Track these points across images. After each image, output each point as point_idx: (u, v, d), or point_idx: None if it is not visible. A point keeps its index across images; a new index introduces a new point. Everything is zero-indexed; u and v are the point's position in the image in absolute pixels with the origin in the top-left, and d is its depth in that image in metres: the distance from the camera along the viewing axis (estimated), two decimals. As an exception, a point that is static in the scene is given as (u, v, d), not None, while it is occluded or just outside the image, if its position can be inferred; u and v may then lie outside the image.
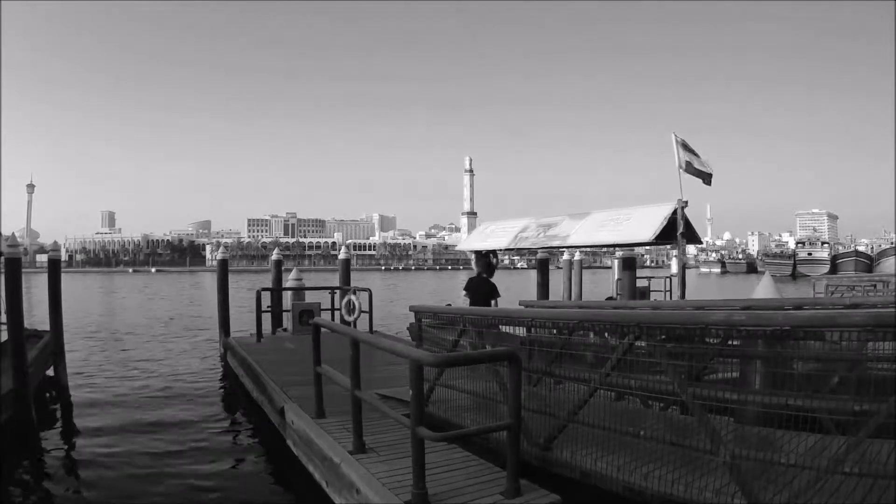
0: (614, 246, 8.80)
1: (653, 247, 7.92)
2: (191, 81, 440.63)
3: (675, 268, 9.25)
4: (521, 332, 5.13)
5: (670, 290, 16.32)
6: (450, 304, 10.93)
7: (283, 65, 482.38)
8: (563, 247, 9.00)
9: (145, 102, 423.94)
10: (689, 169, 8.36)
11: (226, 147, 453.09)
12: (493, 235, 9.88)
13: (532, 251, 11.06)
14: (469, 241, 10.87)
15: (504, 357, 3.97)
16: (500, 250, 9.86)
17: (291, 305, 13.02)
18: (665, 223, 7.17)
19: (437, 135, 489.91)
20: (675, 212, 7.35)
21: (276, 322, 13.55)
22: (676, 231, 7.41)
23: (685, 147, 8.42)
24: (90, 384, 10.53)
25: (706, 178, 8.59)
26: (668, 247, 9.05)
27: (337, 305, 13.18)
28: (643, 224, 7.32)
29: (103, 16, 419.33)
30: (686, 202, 7.42)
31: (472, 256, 10.31)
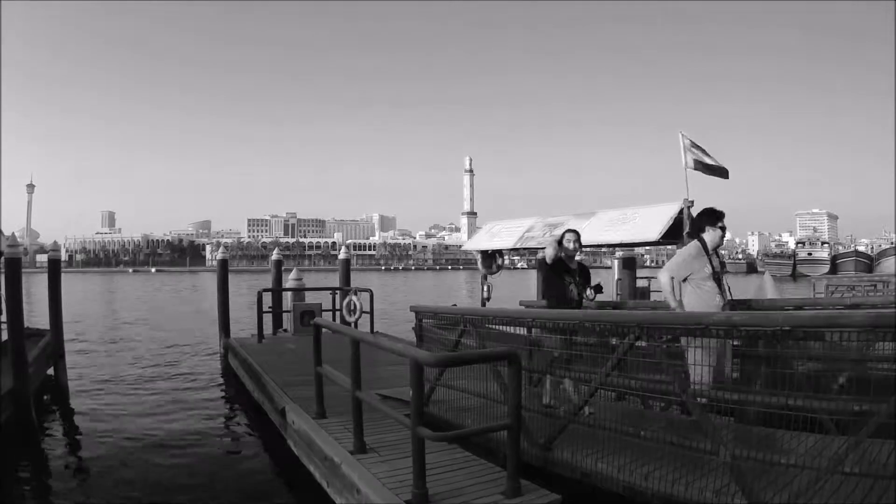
0: (621, 245, 8.80)
1: (653, 247, 7.94)
2: (191, 81, 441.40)
3: None
4: (522, 332, 5.14)
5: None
6: (455, 305, 10.87)
7: (284, 65, 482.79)
8: None
9: (145, 102, 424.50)
10: (700, 167, 8.34)
11: (226, 147, 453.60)
12: (498, 235, 9.82)
13: (532, 251, 11.04)
14: (475, 241, 10.79)
15: (503, 357, 3.97)
16: (506, 250, 9.76)
17: (292, 306, 13.02)
18: (671, 223, 7.20)
19: (437, 135, 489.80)
20: (681, 211, 7.38)
21: (277, 323, 13.55)
22: (682, 231, 7.44)
23: (694, 146, 8.39)
24: (90, 384, 10.53)
25: (721, 172, 8.52)
26: (674, 247, 9.07)
27: (337, 306, 13.17)
28: (649, 223, 7.35)
29: (103, 15, 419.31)
30: (692, 202, 7.44)
31: (479, 256, 10.22)
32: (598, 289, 5.73)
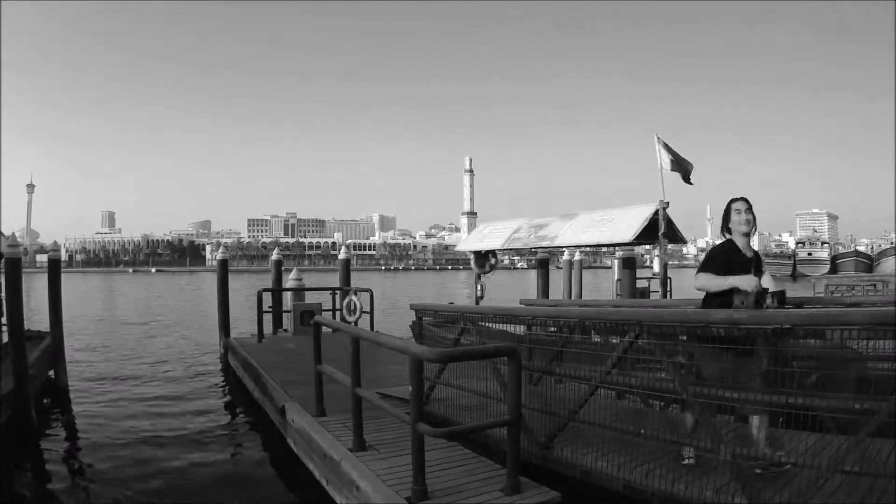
0: (597, 246, 9.17)
1: (654, 246, 8.13)
2: (191, 81, 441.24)
3: (657, 267, 9.61)
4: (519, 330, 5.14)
5: (670, 291, 16.42)
6: (452, 304, 11.09)
7: (284, 64, 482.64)
8: (551, 247, 9.33)
9: (145, 102, 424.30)
10: (675, 168, 8.69)
11: (226, 147, 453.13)
12: (489, 236, 10.11)
13: (532, 251, 11.34)
14: (467, 242, 11.23)
15: (504, 353, 3.97)
16: (498, 250, 10.08)
17: (292, 306, 13.03)
18: (646, 224, 7.41)
19: (437, 135, 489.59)
20: (656, 212, 7.58)
21: (277, 323, 13.56)
22: (658, 231, 7.64)
23: (667, 148, 8.72)
24: (90, 385, 10.52)
25: (686, 176, 8.87)
26: (650, 247, 9.45)
27: (337, 306, 13.19)
28: (626, 225, 7.55)
29: (103, 15, 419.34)
30: (667, 203, 7.65)
31: (472, 256, 10.52)
32: (782, 296, 3.88)
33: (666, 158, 8.61)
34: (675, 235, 7.93)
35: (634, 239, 7.40)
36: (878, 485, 3.02)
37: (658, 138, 8.68)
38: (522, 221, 9.55)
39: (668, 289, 16.49)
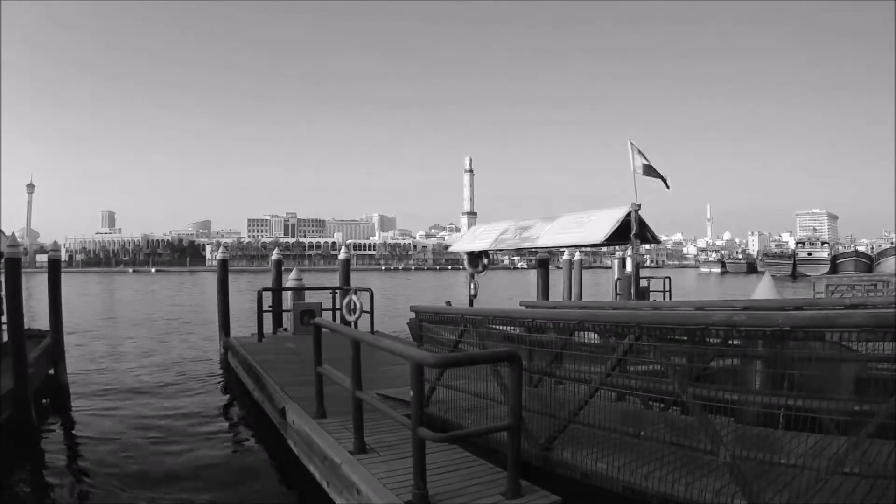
0: (572, 247, 9.46)
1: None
2: (191, 81, 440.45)
3: (629, 267, 9.89)
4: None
5: (669, 290, 16.51)
6: (449, 302, 11.16)
7: (285, 65, 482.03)
8: (532, 248, 9.66)
9: (145, 102, 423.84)
10: (649, 172, 8.99)
11: (226, 147, 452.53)
12: (480, 237, 10.42)
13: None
14: (461, 243, 11.64)
15: (505, 358, 3.97)
16: (491, 251, 10.37)
17: (292, 305, 13.04)
18: (617, 225, 7.53)
19: (436, 135, 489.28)
20: (628, 214, 7.70)
21: (277, 322, 13.57)
22: (630, 232, 7.78)
23: (640, 153, 9.00)
24: (89, 384, 10.53)
25: (663, 179, 9.13)
26: (624, 248, 9.82)
27: (337, 305, 13.20)
28: (599, 226, 7.68)
29: (103, 15, 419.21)
30: (639, 205, 7.78)
31: (465, 257, 10.76)
32: None
33: (639, 163, 8.92)
34: (646, 236, 8.09)
35: (606, 240, 7.53)
36: (877, 486, 3.03)
37: (631, 144, 8.96)
38: (510, 223, 9.78)
39: (668, 289, 16.62)
